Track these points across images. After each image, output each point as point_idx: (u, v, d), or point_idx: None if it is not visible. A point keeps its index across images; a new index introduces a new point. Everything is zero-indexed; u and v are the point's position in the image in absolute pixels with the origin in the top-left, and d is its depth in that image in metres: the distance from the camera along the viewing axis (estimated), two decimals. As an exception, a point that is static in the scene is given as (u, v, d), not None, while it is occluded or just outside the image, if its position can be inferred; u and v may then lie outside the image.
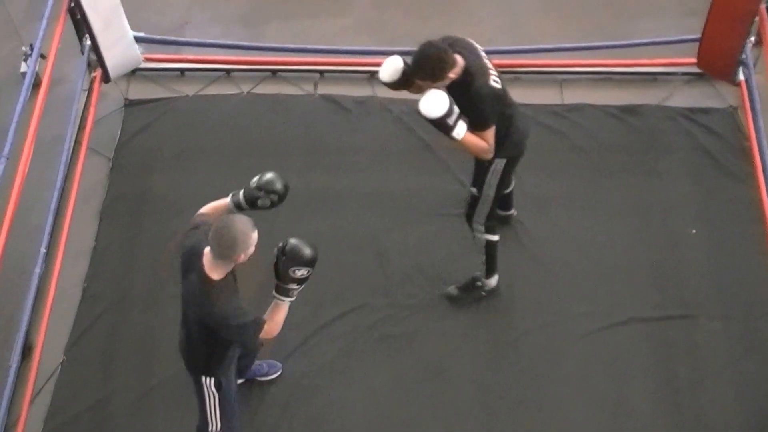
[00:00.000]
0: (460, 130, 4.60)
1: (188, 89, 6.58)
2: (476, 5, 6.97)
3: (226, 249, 3.93)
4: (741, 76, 6.12)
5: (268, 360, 5.26)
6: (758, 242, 5.55)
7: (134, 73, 6.56)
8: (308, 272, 4.12)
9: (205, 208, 4.32)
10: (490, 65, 4.69)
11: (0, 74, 6.64)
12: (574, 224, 5.79)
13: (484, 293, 5.50)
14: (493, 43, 6.15)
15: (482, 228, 5.19)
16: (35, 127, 5.40)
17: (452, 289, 5.54)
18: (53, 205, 5.72)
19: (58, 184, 5.81)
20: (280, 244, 4.10)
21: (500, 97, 4.71)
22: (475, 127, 4.66)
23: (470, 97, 4.59)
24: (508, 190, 5.52)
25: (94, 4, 5.89)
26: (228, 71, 6.65)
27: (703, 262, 5.61)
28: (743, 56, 6.02)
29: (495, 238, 5.27)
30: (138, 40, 6.32)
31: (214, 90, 6.58)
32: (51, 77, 5.67)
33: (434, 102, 4.51)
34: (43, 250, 5.50)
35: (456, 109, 4.54)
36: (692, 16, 6.06)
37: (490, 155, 4.78)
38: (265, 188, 4.30)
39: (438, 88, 4.56)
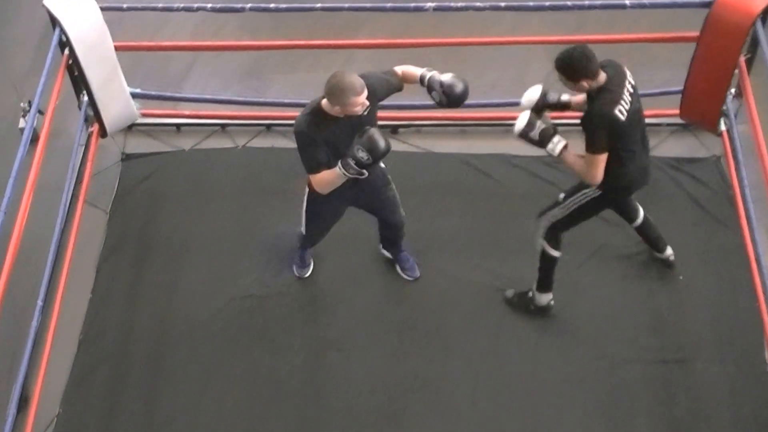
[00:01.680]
0: (555, 147, 4.64)
1: (184, 143, 6.50)
2: (479, 58, 6.85)
3: (327, 89, 4.42)
4: (723, 127, 6.09)
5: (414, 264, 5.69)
6: (747, 287, 5.47)
7: (131, 127, 6.46)
8: (367, 159, 4.41)
9: (399, 67, 4.78)
10: (627, 96, 4.56)
11: (-1, 130, 6.57)
12: (573, 270, 5.68)
13: (533, 307, 5.41)
14: (489, 97, 6.15)
15: (543, 232, 5.07)
16: (33, 182, 5.29)
17: (509, 292, 5.47)
18: (50, 258, 5.57)
19: (56, 237, 5.67)
20: (368, 128, 4.44)
21: (619, 129, 4.55)
22: (586, 147, 4.59)
23: (587, 115, 4.56)
24: (654, 234, 5.51)
25: (92, 62, 5.81)
26: (223, 126, 6.57)
27: (698, 308, 5.55)
28: (725, 107, 6.00)
29: (553, 253, 5.14)
30: (135, 96, 6.24)
31: (209, 144, 6.50)
32: (49, 132, 5.55)
33: (518, 120, 4.70)
34: (39, 302, 5.32)
35: (539, 125, 4.62)
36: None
37: (593, 183, 4.67)
38: (445, 89, 4.65)
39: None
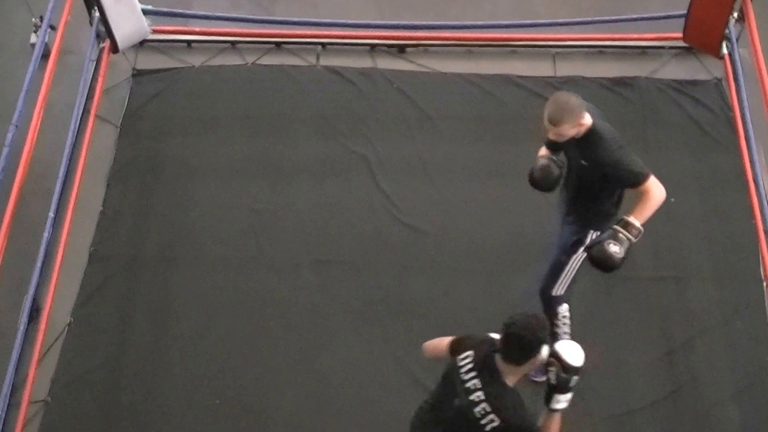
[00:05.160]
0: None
1: (195, 60, 6.11)
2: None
3: None
4: (725, 50, 5.80)
5: None
6: (745, 208, 5.23)
7: (142, 44, 6.08)
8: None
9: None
10: None
11: (11, 45, 6.18)
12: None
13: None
14: (495, 18, 5.83)
15: None
16: (44, 96, 5.02)
17: None
18: (62, 171, 5.28)
19: (67, 150, 5.36)
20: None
21: None
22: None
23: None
24: None
25: (103, -23, 5.44)
26: (233, 43, 6.17)
27: (695, 228, 5.28)
28: (727, 31, 5.72)
29: None
30: (146, 12, 5.85)
31: (219, 61, 6.10)
32: (61, 48, 5.27)
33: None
34: (51, 214, 5.07)
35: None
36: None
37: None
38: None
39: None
